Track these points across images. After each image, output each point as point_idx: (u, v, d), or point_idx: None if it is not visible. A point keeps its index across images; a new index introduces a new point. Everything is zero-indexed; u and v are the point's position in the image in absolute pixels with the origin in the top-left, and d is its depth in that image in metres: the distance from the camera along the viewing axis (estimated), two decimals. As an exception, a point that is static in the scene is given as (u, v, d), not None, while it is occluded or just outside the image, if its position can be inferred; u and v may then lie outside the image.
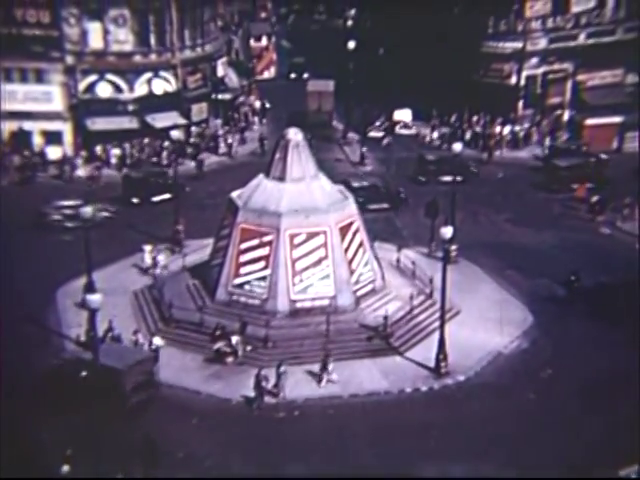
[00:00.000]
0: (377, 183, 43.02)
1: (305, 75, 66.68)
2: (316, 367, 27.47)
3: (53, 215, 38.25)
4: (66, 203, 38.37)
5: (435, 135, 52.35)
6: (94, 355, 22.36)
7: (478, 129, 51.91)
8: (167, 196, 40.03)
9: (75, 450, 22.29)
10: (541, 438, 24.43)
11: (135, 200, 41.58)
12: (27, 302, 31.42)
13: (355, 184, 42.01)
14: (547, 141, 50.69)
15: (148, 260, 34.14)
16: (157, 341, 27.98)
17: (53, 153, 47.25)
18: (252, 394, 26.13)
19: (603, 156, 46.39)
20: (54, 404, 24.58)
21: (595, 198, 40.88)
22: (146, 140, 48.06)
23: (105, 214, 38.98)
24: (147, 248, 34.38)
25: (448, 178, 42.68)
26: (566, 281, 32.81)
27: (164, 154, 47.29)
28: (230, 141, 50.99)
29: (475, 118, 52.44)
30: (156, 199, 41.11)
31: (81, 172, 46.17)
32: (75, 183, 44.81)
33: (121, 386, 25.00)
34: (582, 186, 43.01)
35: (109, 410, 22.55)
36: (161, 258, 33.73)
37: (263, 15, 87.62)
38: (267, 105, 58.60)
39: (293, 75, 69.04)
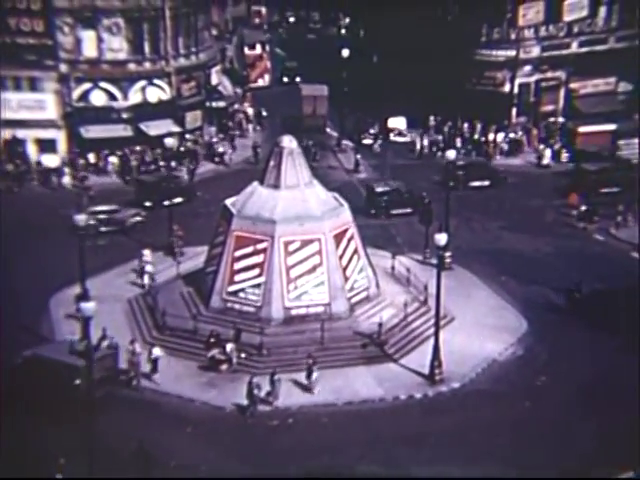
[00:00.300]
0: (400, 188, 43.00)
1: (297, 79, 67.43)
2: (314, 374, 27.30)
3: (88, 220, 38.95)
4: (100, 209, 39.40)
5: (425, 142, 52.47)
6: (88, 364, 22.32)
7: (476, 136, 52.10)
8: (179, 200, 40.90)
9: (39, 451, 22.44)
10: (536, 445, 24.39)
11: (148, 204, 41.86)
12: (24, 308, 31.31)
13: (378, 189, 42.21)
14: (541, 148, 50.89)
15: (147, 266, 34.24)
16: (157, 352, 27.79)
17: (48, 161, 47.16)
18: (245, 402, 26.04)
19: (634, 160, 46.37)
20: (16, 402, 24.57)
21: (584, 207, 40.91)
22: (137, 148, 48.05)
23: (138, 219, 39.67)
24: (146, 253, 34.41)
25: (477, 183, 44.16)
26: (567, 290, 32.75)
27: (160, 162, 47.31)
28: (222, 149, 51.01)
29: (466, 125, 52.64)
30: (168, 203, 41.47)
31: (67, 180, 46.19)
32: (62, 191, 44.93)
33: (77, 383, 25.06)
34: (574, 193, 43.11)
35: (66, 406, 22.56)
36: (149, 268, 33.54)
37: (257, 21, 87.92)
38: (264, 113, 58.67)
39: (286, 79, 69.73)
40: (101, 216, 39.16)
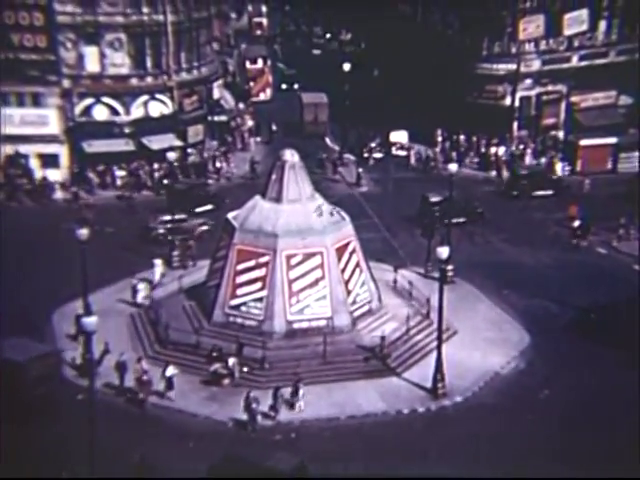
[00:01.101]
0: (454, 197, 42.97)
1: (296, 86, 68.24)
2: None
3: (158, 229, 39.82)
4: (169, 218, 39.66)
5: (417, 156, 52.61)
6: (90, 379, 22.24)
7: (482, 149, 52.16)
8: (209, 207, 42.65)
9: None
10: (538, 459, 24.27)
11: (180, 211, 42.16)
12: (27, 323, 31.19)
13: (432, 198, 42.12)
14: (543, 161, 50.99)
15: (157, 276, 34.21)
16: (171, 370, 27.53)
17: (53, 176, 47.25)
18: (244, 417, 25.93)
19: None
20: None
21: (577, 223, 40.67)
22: (134, 164, 48.12)
23: (205, 227, 40.07)
24: (158, 263, 34.42)
25: (540, 193, 45.21)
26: (582, 310, 32.56)
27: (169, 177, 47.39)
28: (218, 164, 51.09)
29: (462, 137, 52.74)
30: (199, 210, 42.35)
31: (59, 195, 46.28)
32: (53, 206, 45.03)
33: (22, 379, 25.09)
34: (574, 205, 43.07)
35: (11, 403, 22.32)
36: (141, 287, 33.44)
37: (259, 33, 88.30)
38: (273, 127, 58.76)
39: (284, 86, 70.98)
40: (169, 225, 39.38)
